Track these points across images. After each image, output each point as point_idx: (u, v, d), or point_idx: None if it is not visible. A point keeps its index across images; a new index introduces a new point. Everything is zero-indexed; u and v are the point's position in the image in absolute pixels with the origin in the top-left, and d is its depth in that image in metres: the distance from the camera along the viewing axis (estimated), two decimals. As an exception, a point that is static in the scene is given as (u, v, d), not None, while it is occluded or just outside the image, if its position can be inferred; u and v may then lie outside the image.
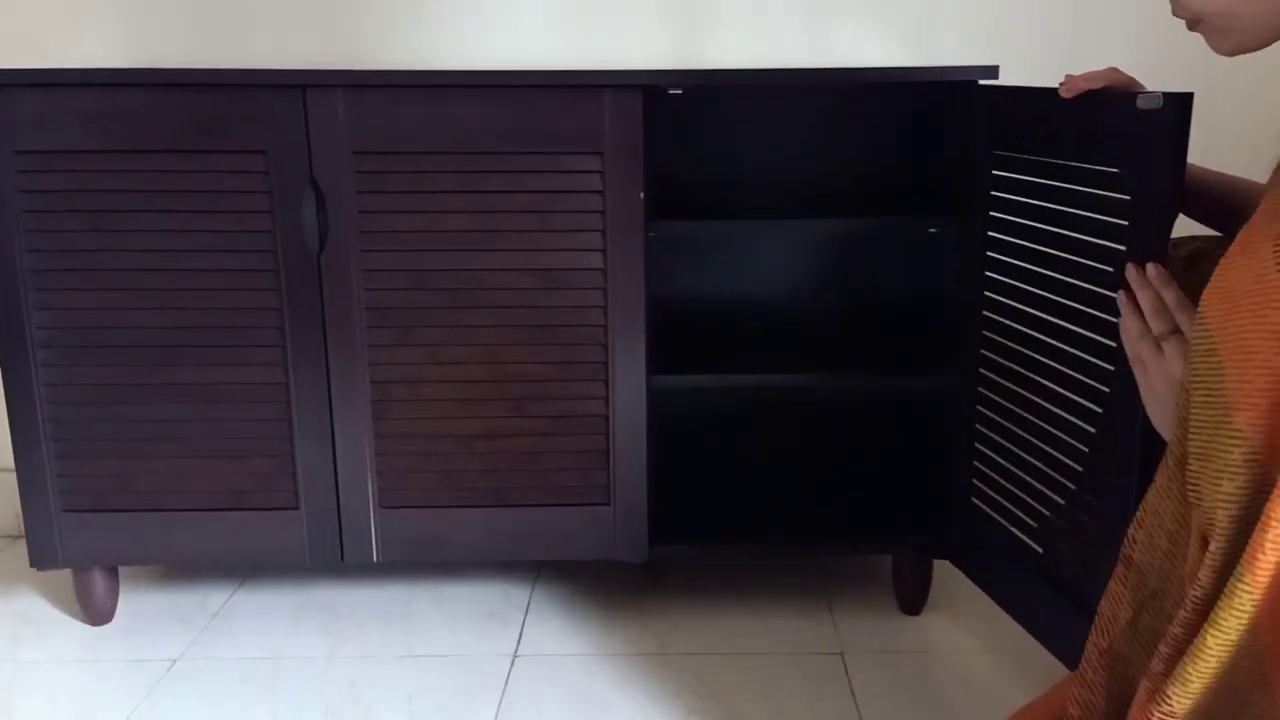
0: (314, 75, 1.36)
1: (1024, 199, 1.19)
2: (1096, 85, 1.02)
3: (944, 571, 1.49)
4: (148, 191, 1.37)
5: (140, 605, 1.60)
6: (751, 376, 1.52)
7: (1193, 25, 0.82)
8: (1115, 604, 0.85)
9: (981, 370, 1.32)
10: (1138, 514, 0.84)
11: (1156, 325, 0.88)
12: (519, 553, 1.50)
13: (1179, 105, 0.91)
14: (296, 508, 1.47)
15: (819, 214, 1.53)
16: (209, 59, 1.68)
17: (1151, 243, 0.93)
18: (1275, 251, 0.70)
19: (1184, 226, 1.06)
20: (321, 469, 1.46)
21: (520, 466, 1.46)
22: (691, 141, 1.65)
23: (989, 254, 1.28)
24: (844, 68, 1.36)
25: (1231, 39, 0.80)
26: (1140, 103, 0.95)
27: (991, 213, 1.26)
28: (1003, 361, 1.27)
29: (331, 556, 1.49)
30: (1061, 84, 1.05)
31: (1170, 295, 0.88)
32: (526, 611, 1.58)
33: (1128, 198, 0.99)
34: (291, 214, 1.37)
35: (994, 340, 1.28)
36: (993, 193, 1.26)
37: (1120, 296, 0.93)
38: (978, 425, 1.33)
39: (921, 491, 1.55)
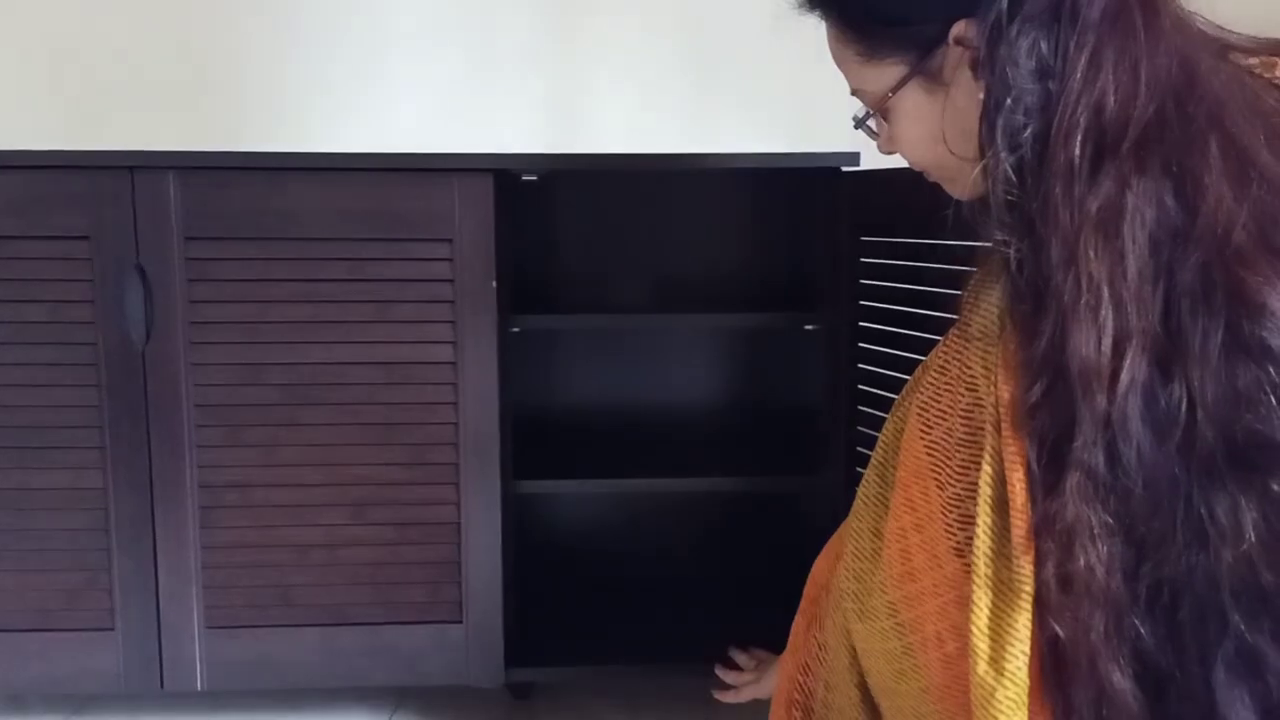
0: (143, 156, 1.27)
1: (890, 284, 1.13)
2: None
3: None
4: (-46, 277, 1.26)
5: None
6: (622, 482, 1.42)
7: (926, 176, 0.85)
8: None
9: (859, 469, 1.23)
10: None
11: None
12: (361, 678, 1.35)
13: None
14: (111, 628, 1.32)
15: (698, 309, 1.46)
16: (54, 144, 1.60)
17: None
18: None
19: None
20: (141, 584, 1.31)
21: (362, 580, 1.33)
22: (567, 233, 1.58)
23: (860, 345, 1.20)
24: (707, 153, 1.30)
25: (954, 185, 0.81)
26: None
27: (860, 302, 1.19)
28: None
29: (150, 684, 1.33)
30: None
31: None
32: (379, 746, 1.42)
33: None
34: (115, 303, 1.27)
35: (868, 438, 1.19)
36: (861, 281, 1.19)
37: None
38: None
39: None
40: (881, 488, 0.84)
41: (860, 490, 0.87)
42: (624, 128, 1.68)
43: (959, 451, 0.73)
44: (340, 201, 1.27)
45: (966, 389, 0.73)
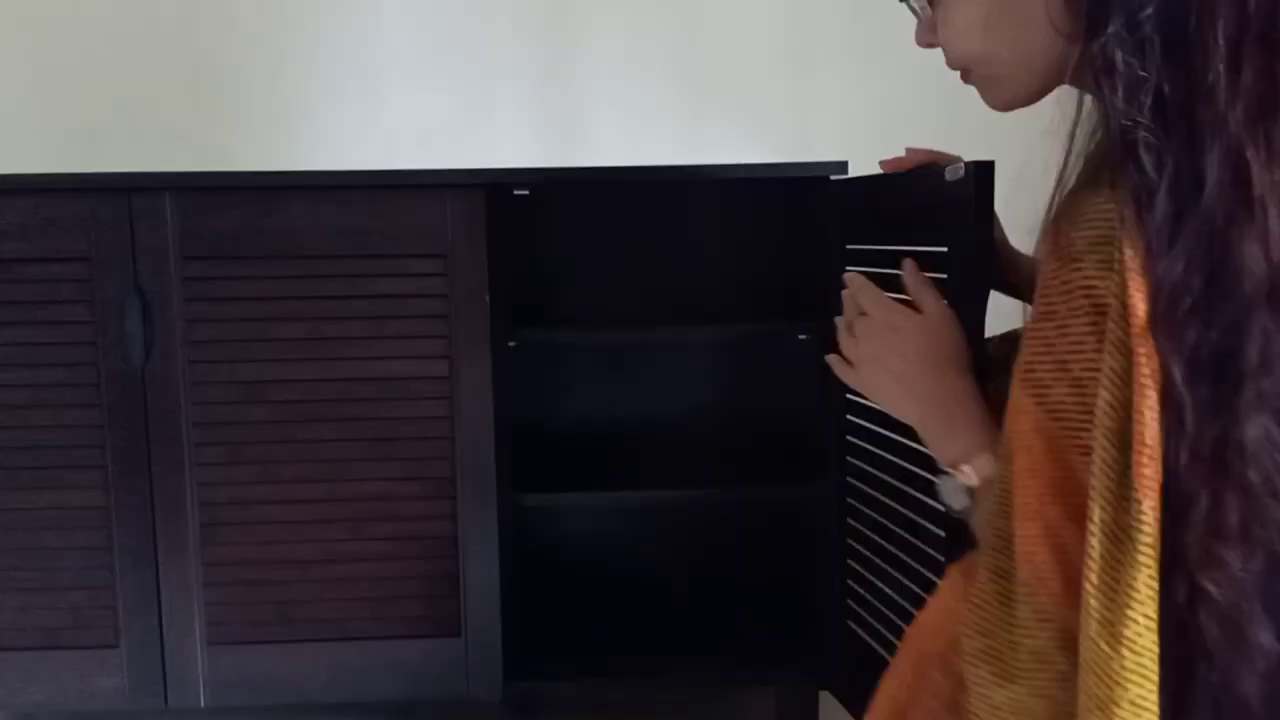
0: (140, 178, 1.29)
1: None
2: (919, 160, 0.98)
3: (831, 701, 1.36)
4: (-43, 302, 1.28)
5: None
6: (624, 493, 1.43)
7: (965, 78, 0.79)
8: None
9: (849, 480, 1.23)
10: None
11: (846, 314, 0.85)
12: (363, 692, 1.36)
13: (980, 173, 0.87)
14: (116, 645, 1.33)
15: (693, 320, 1.47)
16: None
17: (970, 316, 0.86)
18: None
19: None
20: (144, 602, 1.33)
21: (362, 595, 1.34)
22: (564, 247, 1.59)
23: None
24: (696, 165, 1.31)
25: (996, 90, 0.75)
26: (947, 175, 0.90)
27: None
28: (868, 470, 1.17)
29: (154, 701, 1.34)
30: (883, 161, 1.00)
31: (855, 284, 0.85)
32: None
33: (945, 276, 0.92)
34: (115, 324, 1.29)
35: (858, 448, 1.19)
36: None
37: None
38: (848, 539, 1.23)
39: (801, 615, 1.43)
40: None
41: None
42: (619, 142, 1.69)
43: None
44: (334, 219, 1.29)
45: (1087, 315, 0.62)
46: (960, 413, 0.79)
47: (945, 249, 0.95)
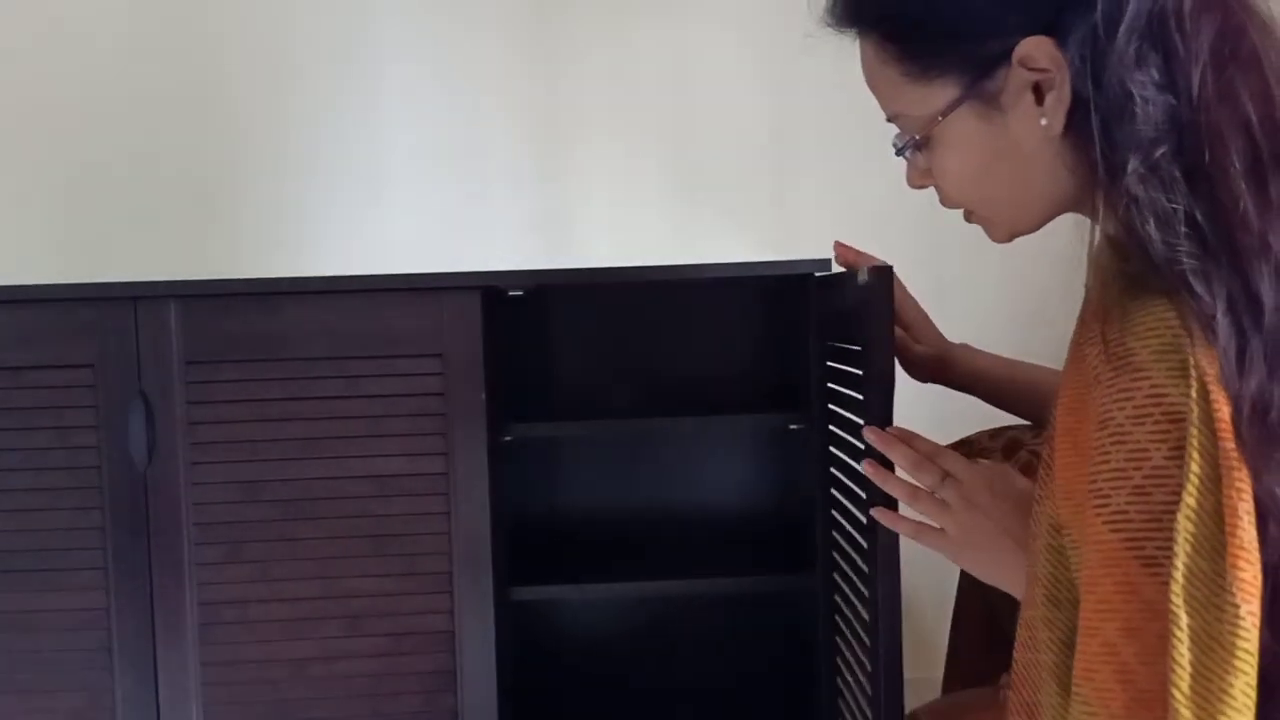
0: (145, 287, 1.33)
1: (842, 389, 1.16)
2: (848, 259, 1.04)
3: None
4: (-36, 410, 1.32)
5: None
6: (616, 585, 1.44)
7: (968, 217, 0.81)
8: None
9: (834, 571, 1.24)
10: None
11: (925, 478, 0.82)
12: (361, 792, 1.35)
13: (880, 277, 0.92)
14: (114, 748, 1.34)
15: (686, 412, 1.50)
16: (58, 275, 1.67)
17: (878, 412, 0.90)
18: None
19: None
20: (143, 702, 1.33)
21: (359, 692, 1.35)
22: (558, 344, 1.62)
23: (829, 448, 1.23)
24: (687, 264, 1.36)
25: (998, 228, 0.78)
26: (859, 278, 0.95)
27: (829, 405, 1.23)
28: (851, 558, 1.19)
29: (152, 803, 1.34)
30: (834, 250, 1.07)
31: (922, 444, 0.84)
32: None
33: (860, 372, 0.97)
34: (119, 427, 1.32)
35: (839, 538, 1.22)
36: (828, 384, 1.23)
37: (866, 466, 0.88)
38: (835, 634, 1.24)
39: (798, 703, 1.44)
40: (1054, 632, 0.68)
41: (1019, 655, 0.72)
42: (613, 239, 1.74)
43: (1163, 513, 0.60)
44: (333, 322, 1.33)
45: (1156, 423, 0.61)
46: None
47: (859, 348, 1.00)
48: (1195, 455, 0.59)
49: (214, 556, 1.33)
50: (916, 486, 0.85)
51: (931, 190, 0.80)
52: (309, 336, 1.33)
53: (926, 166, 0.76)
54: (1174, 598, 0.58)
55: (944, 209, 0.81)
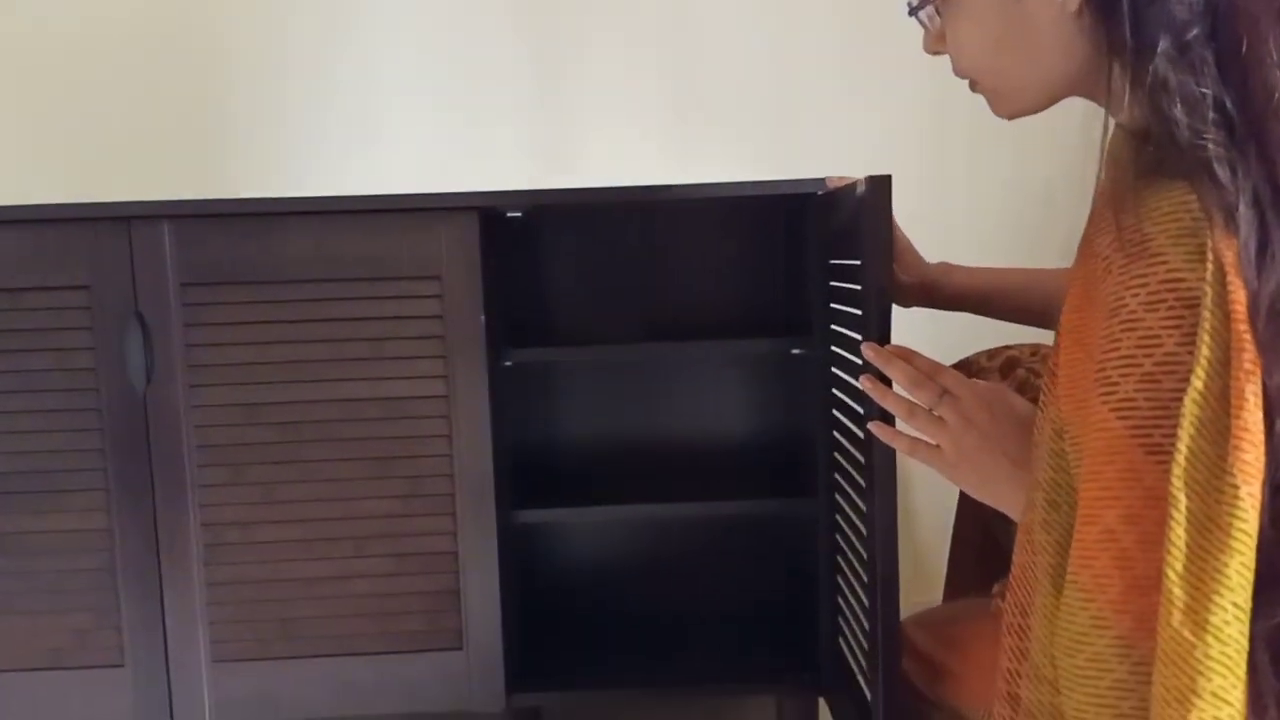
0: (139, 207, 1.31)
1: (846, 308, 1.16)
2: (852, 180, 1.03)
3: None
4: (-41, 331, 1.30)
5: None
6: (619, 508, 1.44)
7: (973, 87, 0.81)
8: None
9: (835, 495, 1.25)
10: (1010, 642, 0.73)
11: (923, 395, 0.82)
12: (368, 707, 1.38)
13: (878, 187, 0.90)
14: (121, 665, 1.35)
15: (688, 336, 1.49)
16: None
17: (876, 326, 0.90)
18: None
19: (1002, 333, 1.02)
20: (149, 622, 1.35)
21: (364, 611, 1.36)
22: (558, 267, 1.61)
23: (832, 370, 1.23)
24: (684, 184, 1.33)
25: (1004, 101, 0.77)
26: (858, 189, 0.94)
27: (831, 326, 1.22)
28: (855, 480, 1.20)
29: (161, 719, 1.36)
30: (827, 179, 1.05)
31: (922, 361, 0.84)
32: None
33: (859, 286, 0.97)
34: (115, 350, 1.31)
35: (842, 459, 1.22)
36: (831, 306, 1.22)
37: (864, 381, 0.88)
38: (836, 555, 1.26)
39: (800, 625, 1.46)
40: (1050, 535, 0.68)
41: (1017, 558, 0.72)
42: (612, 164, 1.72)
43: (1171, 400, 0.59)
44: (330, 244, 1.31)
45: (1169, 308, 0.60)
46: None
47: (858, 261, 0.99)
48: (1206, 339, 0.58)
49: (216, 479, 1.34)
50: (914, 403, 0.85)
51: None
52: (305, 259, 1.31)
53: (941, 33, 0.76)
54: (1174, 480, 0.58)
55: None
